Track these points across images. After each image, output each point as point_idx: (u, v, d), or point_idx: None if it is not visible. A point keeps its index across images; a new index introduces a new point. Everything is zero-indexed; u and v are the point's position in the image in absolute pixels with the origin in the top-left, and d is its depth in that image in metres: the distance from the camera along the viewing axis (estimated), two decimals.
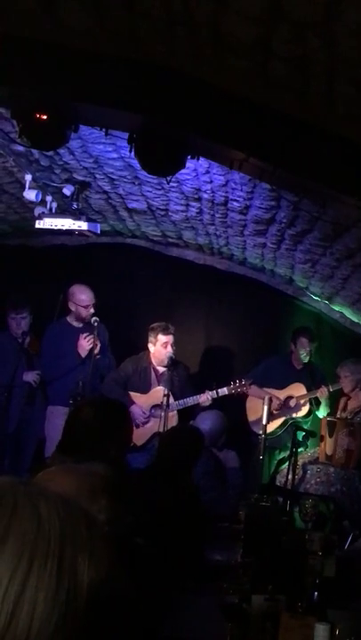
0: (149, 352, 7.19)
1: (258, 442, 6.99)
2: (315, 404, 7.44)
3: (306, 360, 7.63)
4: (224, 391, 7.12)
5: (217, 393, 7.08)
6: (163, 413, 6.70)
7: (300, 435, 6.12)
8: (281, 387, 7.54)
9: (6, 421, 6.86)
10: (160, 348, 7.09)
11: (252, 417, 7.53)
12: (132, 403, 6.96)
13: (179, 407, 6.99)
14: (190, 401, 7.03)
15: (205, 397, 7.03)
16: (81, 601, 1.00)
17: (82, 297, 7.17)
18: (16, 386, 6.91)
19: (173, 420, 6.88)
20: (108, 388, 7.02)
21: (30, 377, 7.12)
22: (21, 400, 7.06)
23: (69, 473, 1.75)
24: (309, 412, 7.49)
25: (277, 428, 7.43)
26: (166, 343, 7.07)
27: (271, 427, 7.10)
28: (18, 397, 6.99)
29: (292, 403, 7.52)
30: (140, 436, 6.75)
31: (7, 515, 0.98)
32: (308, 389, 7.47)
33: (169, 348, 7.06)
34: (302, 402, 7.50)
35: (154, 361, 7.18)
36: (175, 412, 6.96)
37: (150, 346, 7.16)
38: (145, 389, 7.12)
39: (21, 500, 1.01)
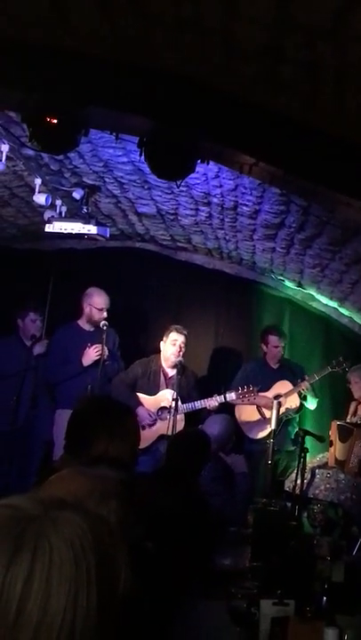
0: (160, 356, 7.20)
1: (251, 448, 7.16)
2: (302, 397, 7.41)
3: (280, 355, 7.62)
4: (232, 396, 7.09)
5: (225, 398, 7.06)
6: (170, 417, 6.69)
7: (293, 431, 6.04)
8: (265, 388, 7.49)
9: (15, 425, 6.87)
10: (169, 345, 7.09)
11: (242, 422, 7.47)
12: (140, 404, 6.97)
13: (186, 410, 6.97)
14: (198, 404, 7.01)
15: (213, 402, 7.01)
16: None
17: (98, 300, 7.21)
18: (24, 391, 6.92)
19: (181, 423, 6.87)
20: (116, 389, 7.02)
21: (38, 349, 7.17)
22: (27, 403, 7.07)
23: (81, 475, 1.76)
24: (301, 406, 7.45)
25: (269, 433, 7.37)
26: (175, 341, 7.07)
27: (265, 431, 7.10)
28: (25, 401, 7.00)
29: (282, 401, 7.47)
30: (145, 438, 6.69)
31: (46, 557, 1.01)
32: (294, 385, 7.46)
33: (177, 348, 7.06)
34: (290, 398, 7.44)
35: (163, 361, 7.18)
36: (182, 415, 6.95)
37: (162, 344, 7.17)
38: (153, 392, 7.12)
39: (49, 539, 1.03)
